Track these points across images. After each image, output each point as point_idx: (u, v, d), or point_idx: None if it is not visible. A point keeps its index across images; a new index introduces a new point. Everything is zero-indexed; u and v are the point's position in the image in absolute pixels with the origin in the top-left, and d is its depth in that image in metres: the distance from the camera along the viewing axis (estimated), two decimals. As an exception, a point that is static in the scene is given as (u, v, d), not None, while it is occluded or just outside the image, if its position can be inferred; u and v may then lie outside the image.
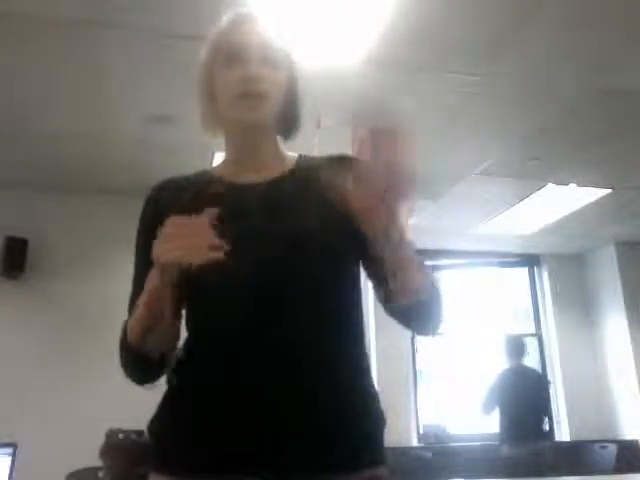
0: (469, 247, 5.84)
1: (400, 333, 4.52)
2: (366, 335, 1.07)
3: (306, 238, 0.99)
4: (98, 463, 2.51)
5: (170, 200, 1.06)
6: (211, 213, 0.86)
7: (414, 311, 0.97)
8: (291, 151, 1.16)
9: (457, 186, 4.33)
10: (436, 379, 5.89)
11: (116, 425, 2.56)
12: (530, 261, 6.17)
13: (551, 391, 5.51)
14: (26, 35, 2.64)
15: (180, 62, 2.44)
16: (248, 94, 1.03)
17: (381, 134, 0.84)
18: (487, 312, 6.07)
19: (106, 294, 3.87)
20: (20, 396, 3.82)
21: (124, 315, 1.02)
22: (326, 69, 2.83)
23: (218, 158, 1.25)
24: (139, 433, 2.44)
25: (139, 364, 0.99)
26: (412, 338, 5.47)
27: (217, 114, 1.09)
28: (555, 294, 5.93)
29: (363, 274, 1.07)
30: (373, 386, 1.03)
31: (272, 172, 1.08)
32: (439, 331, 1.03)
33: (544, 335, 5.96)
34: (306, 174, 1.08)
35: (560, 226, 5.13)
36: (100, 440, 2.49)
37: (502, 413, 4.53)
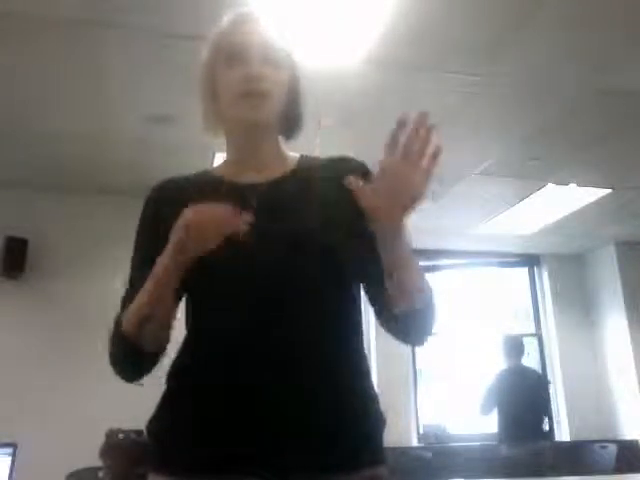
0: (469, 247, 5.83)
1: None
2: (365, 338, 1.07)
3: (307, 238, 0.99)
4: (98, 463, 2.51)
5: (170, 200, 1.05)
6: (246, 216, 0.88)
7: (410, 320, 0.98)
8: (292, 151, 1.16)
9: (457, 186, 4.32)
10: (436, 379, 5.89)
11: (116, 425, 2.55)
12: (530, 261, 6.17)
13: (551, 391, 5.51)
14: (26, 35, 2.64)
15: (180, 62, 2.44)
16: (250, 93, 1.03)
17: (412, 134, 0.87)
18: (487, 312, 6.07)
19: (106, 294, 3.83)
20: (20, 396, 3.82)
21: (124, 315, 1.01)
22: (326, 69, 2.83)
23: (219, 158, 1.24)
24: (139, 433, 2.43)
25: (131, 357, 0.98)
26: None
27: (219, 114, 1.09)
28: (555, 294, 5.93)
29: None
30: (373, 388, 1.03)
31: (273, 172, 1.08)
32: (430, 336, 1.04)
33: (544, 335, 5.96)
34: (308, 174, 1.08)
35: (560, 226, 5.13)
36: (100, 440, 2.48)
37: (500, 413, 4.53)
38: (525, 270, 6.22)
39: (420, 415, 5.39)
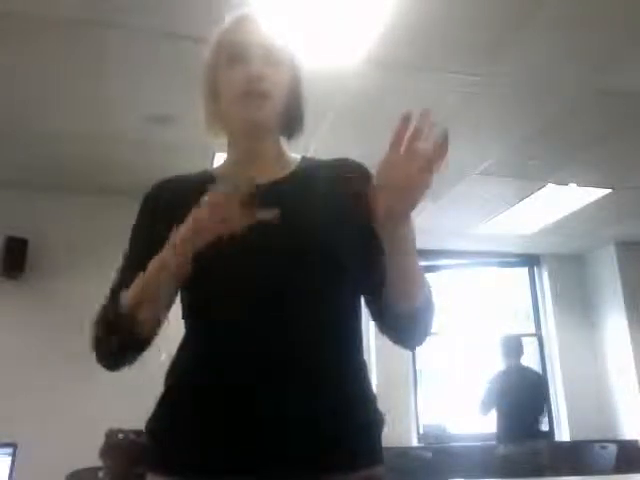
0: (469, 247, 5.83)
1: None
2: (365, 338, 1.06)
3: (308, 239, 0.99)
4: (98, 463, 2.51)
5: (170, 199, 1.05)
6: (272, 213, 0.88)
7: (411, 319, 0.98)
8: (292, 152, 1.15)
9: (457, 186, 4.32)
10: (436, 379, 5.89)
11: (116, 425, 2.55)
12: (530, 261, 6.17)
13: (550, 391, 5.52)
14: (26, 35, 2.64)
15: (180, 62, 2.44)
16: (251, 93, 1.03)
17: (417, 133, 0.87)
18: (487, 312, 6.07)
19: (106, 294, 3.86)
20: (20, 396, 3.82)
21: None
22: (326, 69, 2.83)
23: (219, 158, 1.24)
24: (138, 433, 2.43)
25: (119, 341, 0.96)
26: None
27: (220, 114, 1.09)
28: (555, 294, 5.93)
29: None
30: (371, 389, 1.03)
31: (274, 173, 1.08)
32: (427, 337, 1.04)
33: (544, 335, 5.96)
34: (309, 175, 1.08)
35: (560, 226, 5.13)
36: (100, 440, 2.48)
37: (499, 413, 4.53)
38: (525, 270, 6.22)
39: (420, 415, 5.39)
